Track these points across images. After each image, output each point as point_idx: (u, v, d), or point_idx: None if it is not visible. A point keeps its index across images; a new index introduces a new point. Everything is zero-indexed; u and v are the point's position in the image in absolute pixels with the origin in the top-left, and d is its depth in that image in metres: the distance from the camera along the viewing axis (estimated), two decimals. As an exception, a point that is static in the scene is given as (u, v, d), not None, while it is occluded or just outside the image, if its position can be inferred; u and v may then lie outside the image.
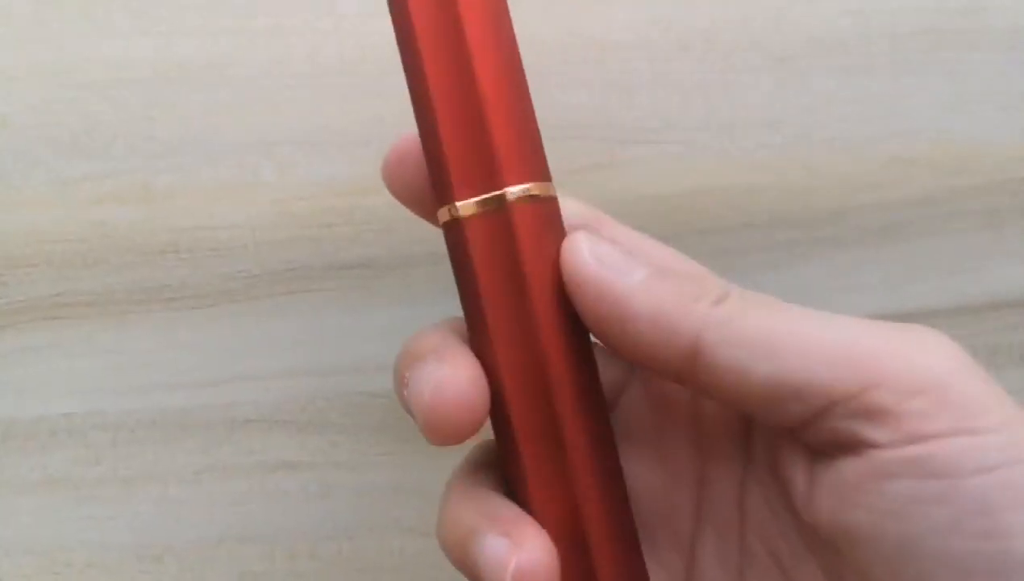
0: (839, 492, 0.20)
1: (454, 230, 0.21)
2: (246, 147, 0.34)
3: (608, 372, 0.24)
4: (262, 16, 0.33)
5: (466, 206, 0.20)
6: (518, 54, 0.22)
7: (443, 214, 0.21)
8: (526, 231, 0.20)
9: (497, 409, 0.21)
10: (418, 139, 0.21)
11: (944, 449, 0.19)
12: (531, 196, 0.20)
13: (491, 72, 0.20)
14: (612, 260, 0.20)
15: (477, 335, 0.21)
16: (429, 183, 0.21)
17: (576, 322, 0.21)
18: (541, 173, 0.21)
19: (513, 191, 0.20)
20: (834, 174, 0.35)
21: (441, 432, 0.21)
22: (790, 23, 0.34)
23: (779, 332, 0.20)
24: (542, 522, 0.21)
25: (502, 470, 0.23)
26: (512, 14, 0.23)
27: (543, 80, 0.34)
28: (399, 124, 0.34)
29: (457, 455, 0.34)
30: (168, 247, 0.34)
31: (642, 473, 0.24)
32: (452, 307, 0.33)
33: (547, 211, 0.21)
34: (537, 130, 0.22)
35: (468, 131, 0.20)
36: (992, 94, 0.35)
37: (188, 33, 0.33)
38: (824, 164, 0.35)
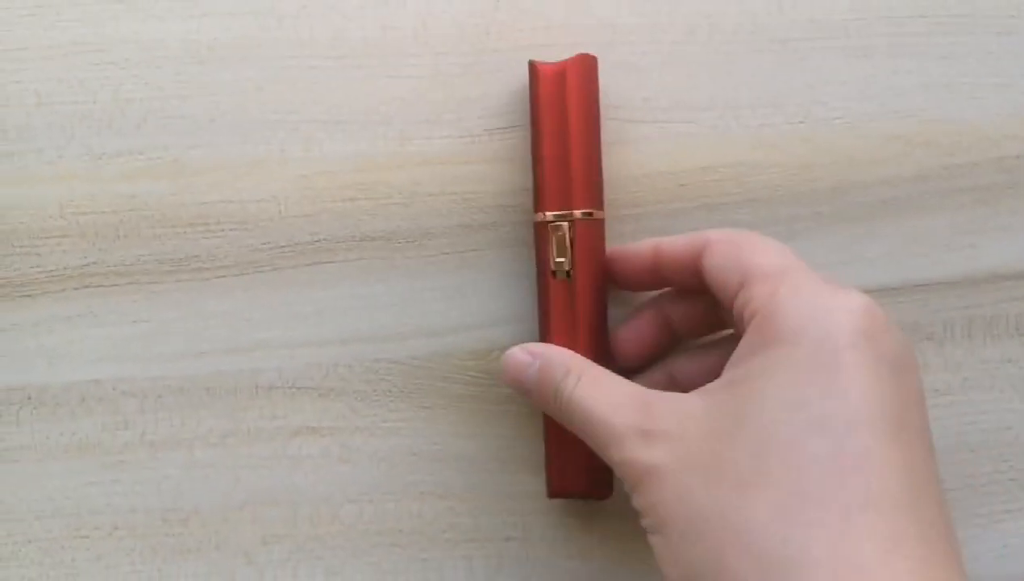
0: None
1: (540, 228, 0.34)
2: (273, 124, 0.35)
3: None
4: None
5: (549, 215, 0.34)
6: (599, 129, 0.34)
7: (537, 217, 0.34)
8: (580, 236, 0.34)
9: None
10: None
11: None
12: (587, 214, 0.34)
13: (581, 145, 0.34)
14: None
15: (543, 290, 0.34)
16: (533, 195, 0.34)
17: (597, 290, 0.34)
18: (597, 202, 0.34)
19: (576, 213, 0.33)
20: (834, 152, 0.36)
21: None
22: (791, 6, 0.36)
23: None
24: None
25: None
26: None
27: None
28: (417, 103, 0.35)
29: (472, 422, 0.35)
30: (197, 220, 0.35)
31: None
32: (467, 278, 0.35)
33: (597, 226, 0.34)
34: (600, 174, 0.34)
35: (560, 174, 0.34)
36: (985, 76, 0.37)
37: (218, 15, 0.35)
38: (824, 142, 0.36)
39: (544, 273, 0.34)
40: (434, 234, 0.36)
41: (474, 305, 0.36)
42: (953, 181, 0.37)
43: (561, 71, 0.33)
